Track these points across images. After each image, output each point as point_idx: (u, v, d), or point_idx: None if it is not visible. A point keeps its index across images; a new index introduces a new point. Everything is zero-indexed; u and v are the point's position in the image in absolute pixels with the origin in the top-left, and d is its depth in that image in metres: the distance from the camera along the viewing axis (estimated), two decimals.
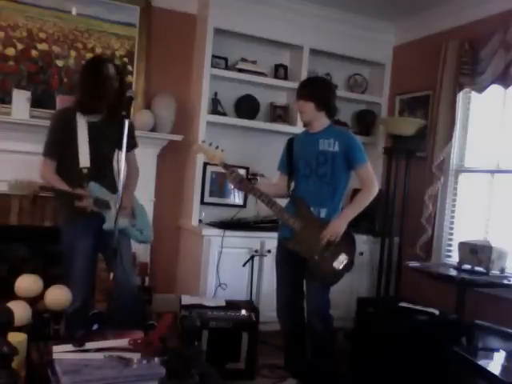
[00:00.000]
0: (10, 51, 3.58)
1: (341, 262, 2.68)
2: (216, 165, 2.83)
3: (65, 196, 2.57)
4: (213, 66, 3.99)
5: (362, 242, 4.11)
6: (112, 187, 2.68)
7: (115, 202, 2.59)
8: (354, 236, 2.76)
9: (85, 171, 2.59)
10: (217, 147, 2.77)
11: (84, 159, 2.59)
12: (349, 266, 2.70)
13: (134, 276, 2.89)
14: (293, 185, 2.89)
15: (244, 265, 3.58)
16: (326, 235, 2.65)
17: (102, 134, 2.64)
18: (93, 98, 2.60)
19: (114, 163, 2.75)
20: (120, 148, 2.50)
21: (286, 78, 4.36)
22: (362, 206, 2.75)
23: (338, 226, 2.67)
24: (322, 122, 2.79)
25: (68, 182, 2.59)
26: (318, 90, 2.78)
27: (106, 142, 2.67)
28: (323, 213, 2.72)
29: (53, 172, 2.61)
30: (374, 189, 2.75)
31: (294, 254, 2.74)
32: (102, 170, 2.68)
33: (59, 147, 2.61)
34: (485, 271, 3.16)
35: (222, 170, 2.82)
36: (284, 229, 2.82)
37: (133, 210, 2.76)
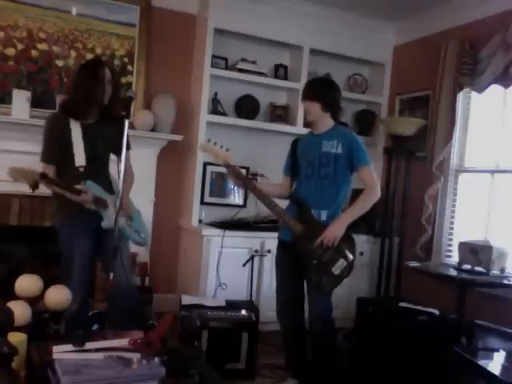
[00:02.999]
0: (10, 51, 3.58)
1: (339, 267, 2.65)
2: (217, 164, 2.83)
3: (63, 196, 2.57)
4: (213, 66, 3.99)
5: (362, 242, 4.11)
6: (108, 189, 2.69)
7: (112, 201, 2.61)
8: (354, 240, 2.72)
9: (81, 170, 2.59)
10: (221, 146, 2.77)
11: (79, 158, 2.60)
12: (348, 272, 2.67)
13: (133, 276, 2.90)
14: (294, 186, 2.88)
15: (244, 265, 3.58)
16: (324, 240, 2.62)
17: (95, 135, 2.65)
18: (84, 100, 2.60)
19: (111, 164, 2.76)
20: (115, 150, 2.52)
21: (286, 78, 4.36)
22: (362, 208, 2.72)
23: (335, 231, 2.63)
24: (326, 122, 2.78)
25: (66, 181, 2.59)
26: (324, 91, 2.77)
27: (100, 143, 2.68)
28: (324, 215, 2.70)
29: (54, 176, 2.62)
30: (376, 191, 2.71)
31: (294, 255, 2.73)
32: (98, 171, 2.69)
33: (56, 151, 2.62)
34: (485, 271, 3.16)
35: (225, 170, 2.81)
36: (284, 231, 2.81)
37: (129, 212, 2.76)
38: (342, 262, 2.65)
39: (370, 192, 2.72)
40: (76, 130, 2.60)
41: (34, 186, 2.40)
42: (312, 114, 2.77)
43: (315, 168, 2.74)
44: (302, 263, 2.69)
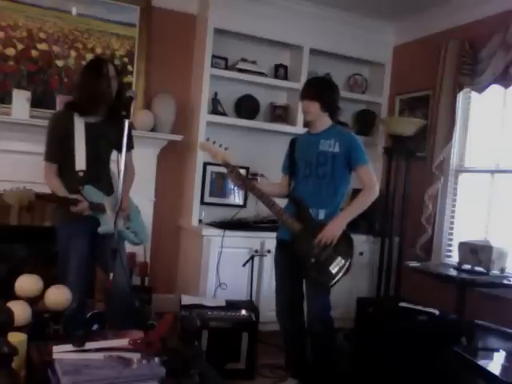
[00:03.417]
0: (10, 51, 3.58)
1: (337, 265, 2.65)
2: (217, 164, 2.83)
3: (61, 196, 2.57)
4: (213, 66, 3.99)
5: (362, 241, 4.12)
6: (107, 189, 2.69)
7: (110, 204, 2.61)
8: (352, 238, 2.72)
9: (80, 174, 2.59)
10: (220, 145, 2.78)
11: (80, 162, 2.59)
12: (346, 270, 2.67)
13: (130, 277, 2.89)
14: (293, 185, 2.88)
15: (244, 265, 3.58)
16: (322, 238, 2.63)
17: (100, 134, 2.65)
18: (91, 99, 2.60)
19: (111, 164, 2.76)
20: (118, 149, 2.52)
21: (286, 78, 4.36)
22: (360, 207, 2.73)
23: (334, 229, 2.64)
24: (324, 122, 2.78)
25: (66, 184, 2.60)
26: (324, 91, 2.77)
27: (103, 143, 2.68)
28: (322, 214, 2.71)
29: (54, 175, 2.63)
30: (374, 190, 2.72)
31: (292, 255, 2.73)
32: (99, 172, 2.69)
33: (58, 150, 2.62)
34: (485, 271, 3.16)
35: (225, 169, 2.81)
36: (282, 230, 2.82)
37: (128, 214, 2.77)
38: (339, 261, 2.66)
39: (368, 191, 2.72)
40: (79, 131, 2.60)
41: (29, 207, 2.40)
42: (311, 113, 2.77)
43: (313, 167, 2.74)
44: (300, 262, 2.69)
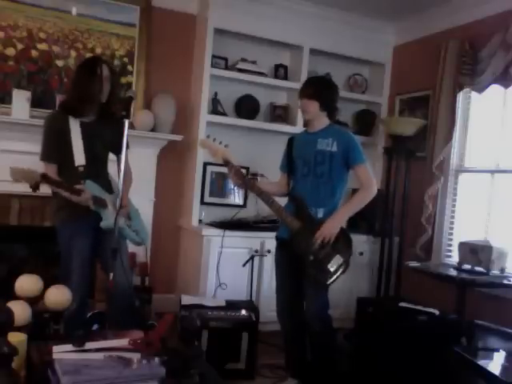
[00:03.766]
0: (10, 51, 3.58)
1: (336, 263, 2.65)
2: (217, 164, 2.83)
3: (62, 195, 2.57)
4: (213, 66, 3.99)
5: (362, 241, 4.12)
6: (107, 187, 2.69)
7: (111, 201, 2.61)
8: (350, 236, 2.73)
9: (80, 169, 2.60)
10: (220, 143, 2.78)
11: (79, 158, 2.60)
12: (344, 268, 2.67)
13: (131, 276, 2.90)
14: (291, 184, 2.89)
15: (244, 265, 3.58)
16: (320, 236, 2.63)
17: (94, 134, 2.65)
18: (82, 99, 2.60)
19: (110, 164, 2.76)
20: (114, 149, 2.51)
21: (286, 78, 4.36)
22: (358, 206, 2.74)
23: (331, 227, 2.64)
24: (322, 121, 2.78)
25: (66, 180, 2.60)
26: (324, 90, 2.78)
27: (99, 142, 2.68)
28: (321, 212, 2.71)
29: (54, 175, 2.62)
30: (372, 189, 2.72)
31: (292, 253, 2.73)
32: (97, 170, 2.69)
33: (55, 150, 2.62)
34: (485, 271, 3.16)
35: (225, 168, 2.81)
36: (282, 229, 2.82)
37: (128, 212, 2.77)
38: (337, 259, 2.66)
39: (365, 190, 2.73)
40: (75, 130, 2.61)
41: (35, 187, 2.41)
42: (309, 112, 2.77)
43: (311, 166, 2.74)
44: (300, 261, 2.69)
